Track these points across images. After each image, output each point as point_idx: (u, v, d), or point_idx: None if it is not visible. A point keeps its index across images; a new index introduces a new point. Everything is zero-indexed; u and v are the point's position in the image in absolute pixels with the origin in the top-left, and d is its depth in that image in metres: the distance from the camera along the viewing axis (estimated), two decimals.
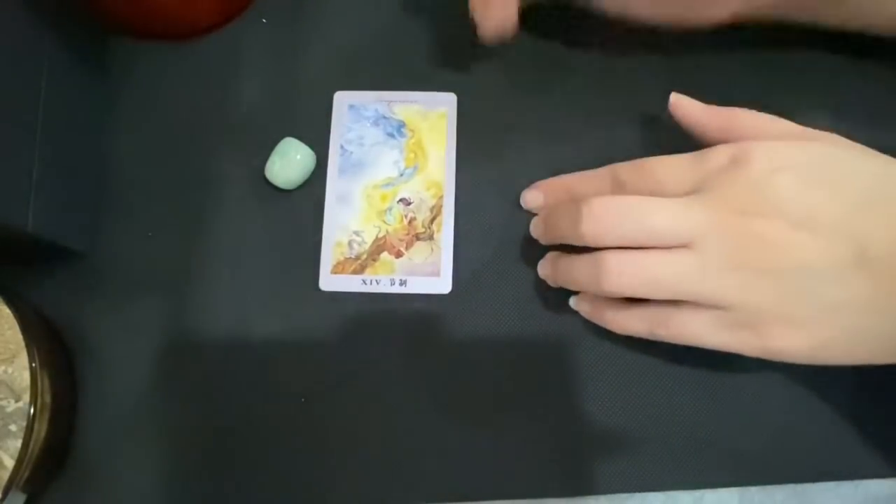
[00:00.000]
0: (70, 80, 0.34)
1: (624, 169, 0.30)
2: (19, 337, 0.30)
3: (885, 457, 0.31)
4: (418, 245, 0.34)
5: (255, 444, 0.32)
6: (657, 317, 0.28)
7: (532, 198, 0.33)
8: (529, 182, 0.35)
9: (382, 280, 0.33)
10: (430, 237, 0.34)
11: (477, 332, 0.33)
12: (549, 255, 0.32)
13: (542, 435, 0.32)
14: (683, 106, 0.31)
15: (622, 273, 0.27)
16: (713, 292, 0.26)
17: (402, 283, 0.33)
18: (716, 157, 0.27)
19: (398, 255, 0.34)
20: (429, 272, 0.34)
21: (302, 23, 0.38)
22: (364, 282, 0.33)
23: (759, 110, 0.35)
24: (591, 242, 0.27)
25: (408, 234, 0.34)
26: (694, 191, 0.27)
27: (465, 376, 0.32)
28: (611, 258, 0.27)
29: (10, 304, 0.30)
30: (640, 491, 0.31)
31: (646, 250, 0.26)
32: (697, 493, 0.31)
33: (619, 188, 0.30)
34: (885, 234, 0.24)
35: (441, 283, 0.33)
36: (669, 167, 0.28)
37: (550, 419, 0.32)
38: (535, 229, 0.32)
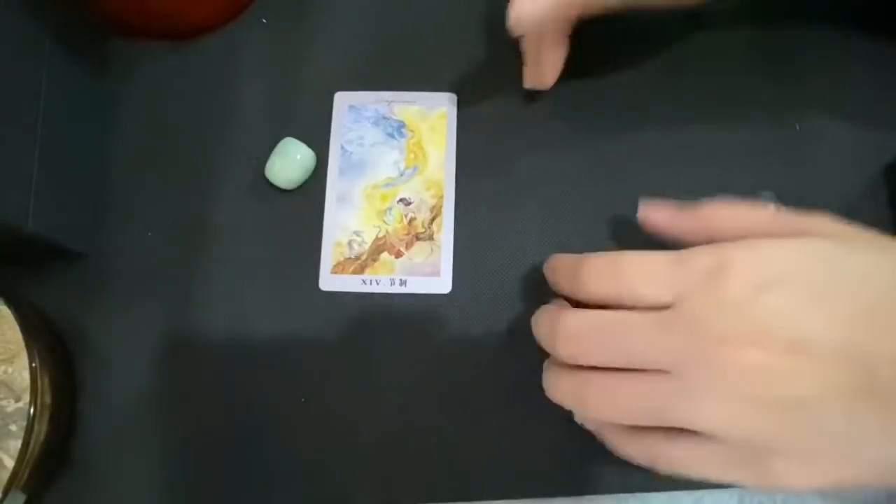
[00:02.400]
0: (70, 80, 0.34)
1: (595, 266, 0.26)
2: (19, 337, 0.30)
3: None
4: (418, 245, 0.34)
5: (255, 444, 0.32)
6: (653, 450, 0.25)
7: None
8: (529, 182, 0.35)
9: (382, 280, 0.33)
10: (430, 237, 0.34)
11: (477, 332, 0.33)
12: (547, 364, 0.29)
13: (542, 435, 0.32)
14: (652, 217, 0.28)
15: (602, 404, 0.25)
16: (700, 422, 0.23)
17: (402, 283, 0.33)
18: (694, 264, 0.23)
19: (398, 255, 0.34)
20: (429, 272, 0.34)
21: (302, 23, 0.38)
22: (364, 282, 0.33)
23: (763, 111, 0.35)
24: (570, 362, 0.26)
25: (408, 234, 0.34)
26: (672, 302, 0.23)
27: (464, 376, 0.32)
28: (589, 388, 0.25)
29: (10, 304, 0.30)
30: (640, 491, 0.31)
31: (624, 376, 0.24)
32: (697, 494, 0.31)
33: (587, 285, 0.26)
34: (894, 351, 0.21)
35: (441, 283, 0.33)
36: (644, 267, 0.25)
37: (550, 419, 0.31)
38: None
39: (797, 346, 0.21)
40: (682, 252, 0.24)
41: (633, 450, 0.26)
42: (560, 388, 0.27)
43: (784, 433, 0.22)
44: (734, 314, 0.22)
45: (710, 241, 0.26)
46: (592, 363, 0.25)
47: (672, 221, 0.28)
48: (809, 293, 0.22)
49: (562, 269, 0.28)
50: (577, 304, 0.27)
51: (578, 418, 0.29)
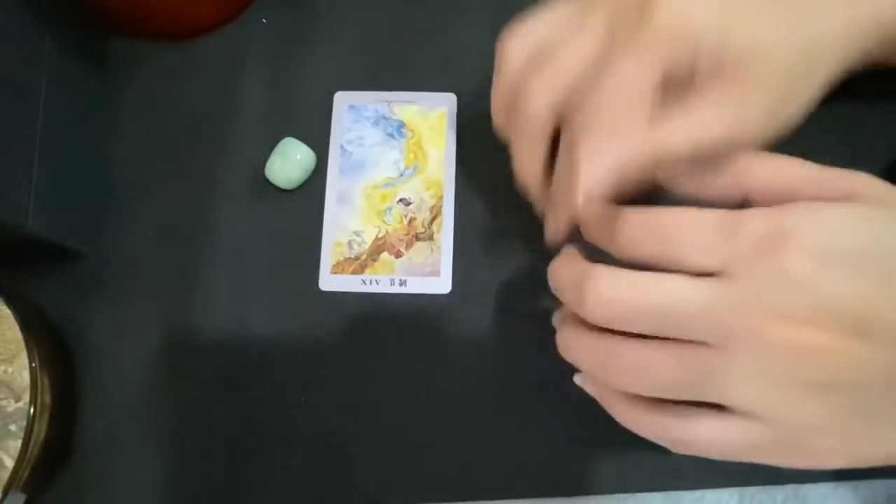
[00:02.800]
0: (70, 80, 0.34)
1: (633, 224, 0.23)
2: (19, 337, 0.30)
3: None
4: (418, 245, 0.34)
5: (255, 444, 0.32)
6: (669, 425, 0.23)
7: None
8: None
9: (382, 280, 0.33)
10: (430, 237, 0.34)
11: (477, 332, 0.33)
12: (560, 316, 0.27)
13: (542, 435, 0.32)
14: (677, 176, 0.25)
15: (631, 374, 0.23)
16: (746, 402, 0.21)
17: (402, 283, 0.33)
18: (750, 230, 0.21)
19: (398, 255, 0.34)
20: (429, 272, 0.34)
21: (302, 23, 0.38)
22: (364, 282, 0.33)
23: None
24: (600, 326, 0.23)
25: (408, 234, 0.34)
26: (723, 270, 0.21)
27: (464, 376, 0.32)
28: (617, 356, 0.23)
29: (10, 304, 0.30)
30: (640, 491, 0.31)
31: (662, 345, 0.22)
32: (697, 493, 0.31)
33: (625, 245, 0.24)
34: None
35: (441, 283, 0.33)
36: (691, 229, 0.22)
37: (550, 419, 0.32)
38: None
39: (861, 329, 0.20)
40: (735, 214, 0.22)
41: (643, 423, 0.24)
42: (581, 350, 0.25)
43: (831, 417, 0.21)
44: (794, 290, 0.20)
45: (744, 200, 0.24)
46: (626, 330, 0.23)
47: (701, 180, 0.25)
48: (875, 271, 0.20)
49: (596, 220, 0.25)
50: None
51: (579, 380, 0.26)
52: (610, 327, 0.23)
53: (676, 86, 0.25)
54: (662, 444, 0.24)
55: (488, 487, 0.31)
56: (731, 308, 0.21)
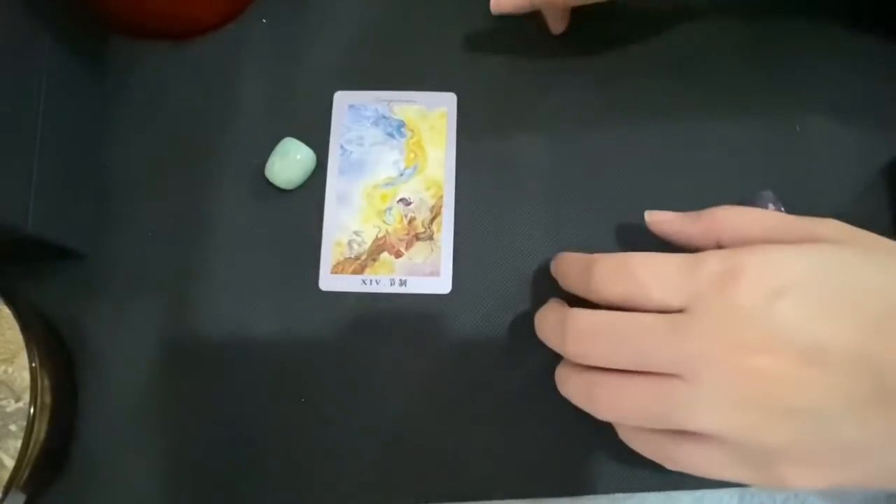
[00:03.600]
0: (70, 80, 0.34)
1: (606, 267, 0.26)
2: (19, 337, 0.30)
3: None
4: (418, 245, 0.34)
5: (255, 444, 0.32)
6: (662, 450, 0.25)
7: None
8: (529, 182, 0.35)
9: (382, 280, 0.33)
10: (430, 237, 0.34)
11: (477, 332, 0.33)
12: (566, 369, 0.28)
13: (542, 435, 0.32)
14: (660, 222, 0.29)
15: (610, 405, 0.25)
16: (713, 428, 0.23)
17: (402, 283, 0.33)
18: (706, 269, 0.23)
19: (398, 255, 0.34)
20: (429, 272, 0.34)
21: (302, 23, 0.38)
22: (364, 282, 0.33)
23: (763, 111, 0.35)
24: (579, 361, 0.26)
25: (408, 234, 0.34)
26: (685, 306, 0.23)
27: (464, 376, 0.32)
28: (599, 389, 0.25)
29: (10, 304, 0.30)
30: (640, 491, 0.31)
31: (636, 378, 0.24)
32: (697, 493, 0.31)
33: (598, 287, 0.26)
34: None
35: (441, 283, 0.33)
36: (656, 271, 0.24)
37: (550, 419, 0.32)
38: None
39: (810, 355, 0.22)
40: (695, 256, 0.24)
41: (641, 447, 0.26)
42: (570, 385, 0.27)
43: (795, 440, 0.22)
44: (747, 322, 0.22)
45: (717, 245, 0.26)
46: (602, 364, 0.25)
47: (679, 227, 0.28)
48: (821, 301, 0.22)
49: (571, 268, 0.28)
50: (581, 301, 0.27)
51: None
52: (590, 363, 0.25)
53: None
54: (661, 463, 0.25)
55: (488, 487, 0.31)
56: (692, 340, 0.23)
